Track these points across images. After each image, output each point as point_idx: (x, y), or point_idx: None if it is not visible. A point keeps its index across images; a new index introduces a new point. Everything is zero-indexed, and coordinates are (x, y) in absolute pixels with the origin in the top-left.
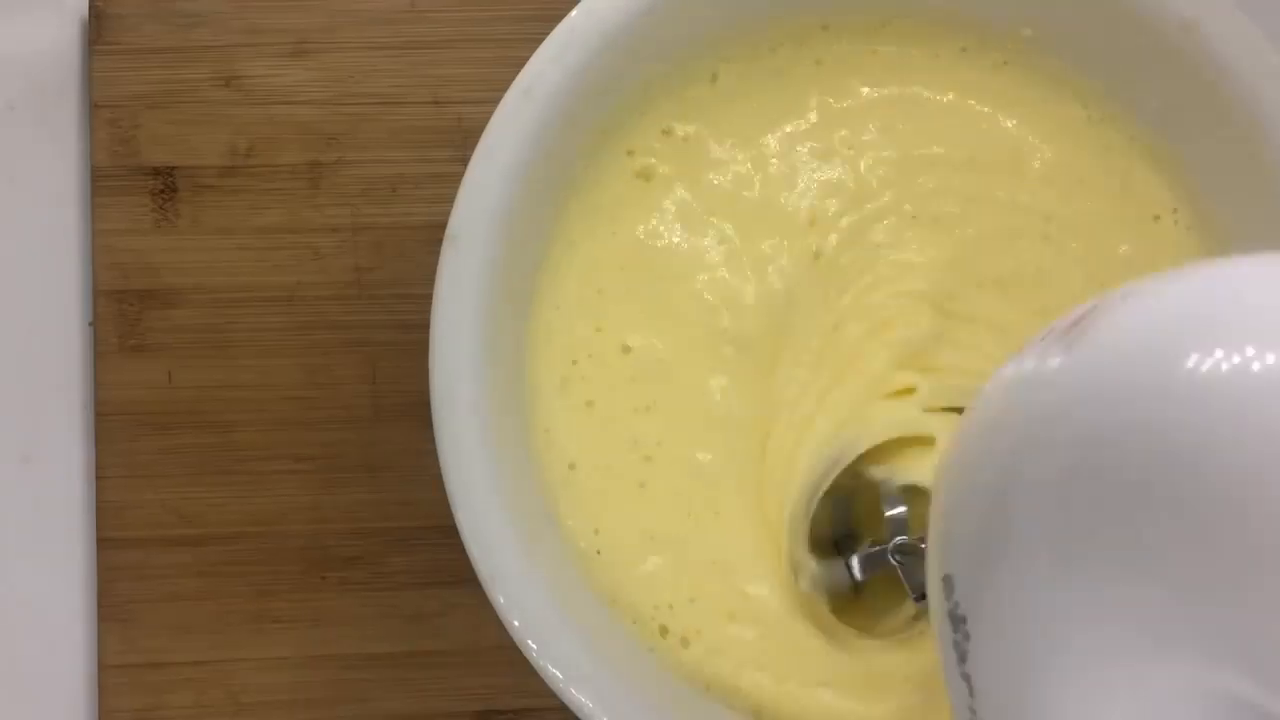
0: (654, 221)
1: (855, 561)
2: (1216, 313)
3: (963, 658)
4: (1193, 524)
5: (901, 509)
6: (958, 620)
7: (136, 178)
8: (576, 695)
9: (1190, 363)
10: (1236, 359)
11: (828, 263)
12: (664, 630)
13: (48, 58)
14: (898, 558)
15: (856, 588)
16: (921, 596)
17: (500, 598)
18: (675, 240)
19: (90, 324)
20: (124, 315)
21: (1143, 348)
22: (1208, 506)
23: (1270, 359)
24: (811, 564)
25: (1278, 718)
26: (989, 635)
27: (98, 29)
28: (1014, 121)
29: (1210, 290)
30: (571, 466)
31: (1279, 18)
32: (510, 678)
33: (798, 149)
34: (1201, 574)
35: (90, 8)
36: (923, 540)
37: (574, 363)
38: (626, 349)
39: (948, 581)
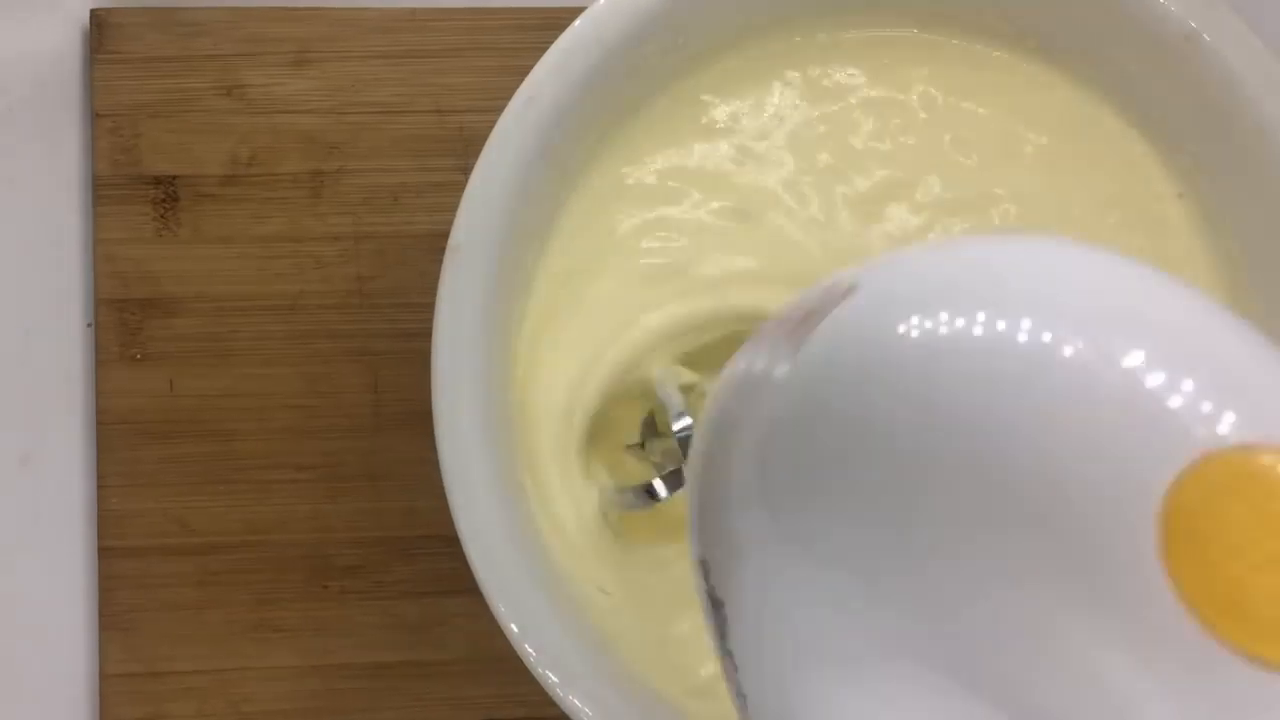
0: (655, 229)
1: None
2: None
3: (723, 635)
4: (890, 524)
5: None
6: (716, 602)
7: (138, 186)
8: (574, 701)
9: (902, 338)
10: (944, 329)
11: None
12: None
13: (48, 65)
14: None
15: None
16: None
17: (500, 605)
18: (675, 249)
19: (89, 325)
20: (125, 324)
21: (854, 358)
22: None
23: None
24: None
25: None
26: (743, 619)
27: (99, 37)
28: (1017, 123)
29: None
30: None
31: (1279, 27)
32: (511, 686)
33: (798, 151)
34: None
35: (91, 16)
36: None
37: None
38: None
39: (703, 565)
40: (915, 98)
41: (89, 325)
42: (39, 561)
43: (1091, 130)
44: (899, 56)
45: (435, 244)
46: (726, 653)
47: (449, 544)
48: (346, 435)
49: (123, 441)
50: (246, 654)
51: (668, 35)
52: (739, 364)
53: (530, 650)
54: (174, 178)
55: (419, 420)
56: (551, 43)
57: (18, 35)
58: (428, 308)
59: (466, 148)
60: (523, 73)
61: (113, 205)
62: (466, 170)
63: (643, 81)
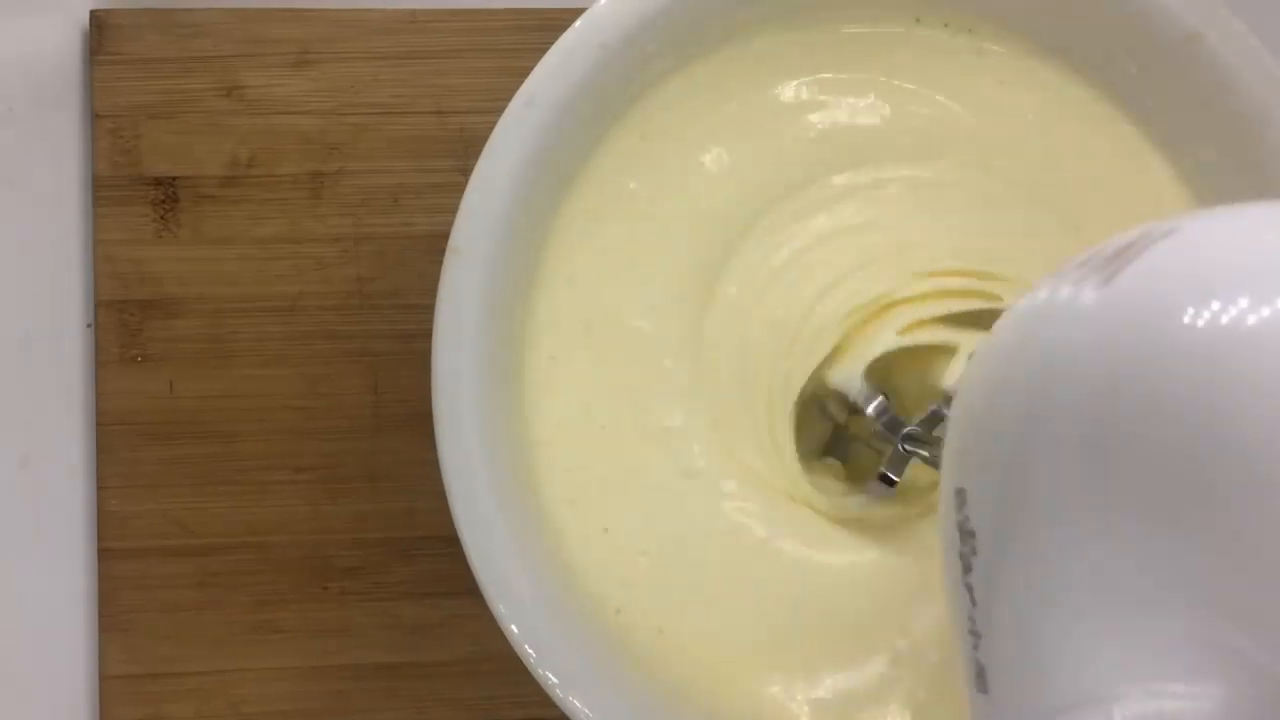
0: (652, 230)
1: (874, 430)
2: (1254, 263)
3: (968, 569)
4: (1204, 482)
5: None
6: (966, 534)
7: (138, 188)
8: (573, 701)
9: (1213, 317)
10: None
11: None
12: (660, 631)
13: (48, 66)
14: (907, 446)
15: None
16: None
17: (500, 606)
18: (672, 248)
19: (89, 326)
20: (125, 325)
21: (1174, 295)
22: (1219, 468)
23: None
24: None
25: (1267, 669)
26: (996, 555)
27: (99, 39)
28: (1025, 123)
29: (1252, 238)
30: (568, 470)
31: (1278, 28)
32: (511, 687)
33: (796, 145)
34: (1209, 533)
35: (91, 17)
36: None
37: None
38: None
39: (960, 495)
40: (920, 93)
41: (89, 326)
42: (39, 562)
43: (1097, 131)
44: (902, 54)
45: (435, 245)
46: (966, 586)
47: (449, 545)
48: (346, 436)
49: (123, 443)
50: (246, 655)
51: (668, 35)
52: (1038, 293)
53: (530, 651)
54: (174, 179)
55: (419, 421)
56: (551, 44)
57: (18, 36)
58: (428, 309)
59: (466, 149)
60: (522, 74)
61: (113, 206)
62: (466, 171)
63: (643, 82)
